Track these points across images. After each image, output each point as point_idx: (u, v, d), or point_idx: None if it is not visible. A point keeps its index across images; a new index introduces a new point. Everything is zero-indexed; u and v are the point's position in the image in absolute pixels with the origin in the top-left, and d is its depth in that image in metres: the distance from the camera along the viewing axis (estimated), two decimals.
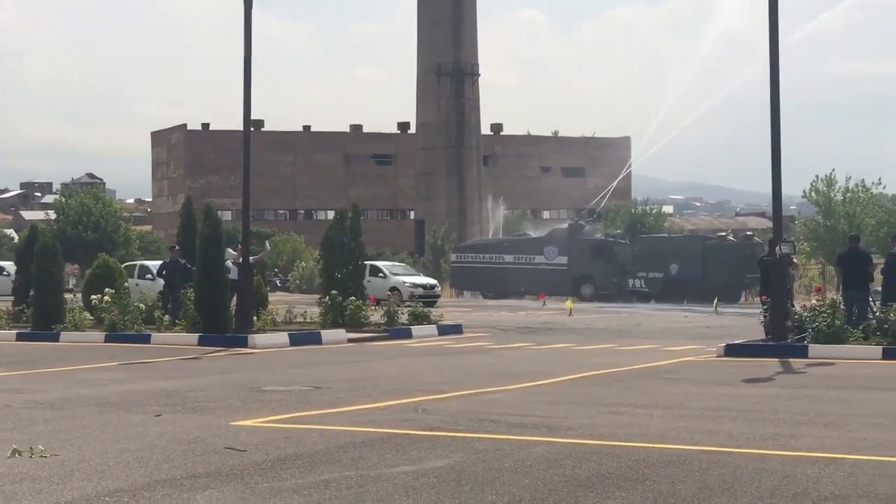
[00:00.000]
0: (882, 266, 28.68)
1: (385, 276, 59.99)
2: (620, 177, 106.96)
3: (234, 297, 29.09)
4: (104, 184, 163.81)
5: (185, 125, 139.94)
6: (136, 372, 20.81)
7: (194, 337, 27.91)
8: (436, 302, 57.10)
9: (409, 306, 33.90)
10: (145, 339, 28.53)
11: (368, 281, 59.54)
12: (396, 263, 65.52)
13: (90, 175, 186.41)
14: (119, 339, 28.79)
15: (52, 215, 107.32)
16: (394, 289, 58.06)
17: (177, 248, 33.27)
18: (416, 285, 59.47)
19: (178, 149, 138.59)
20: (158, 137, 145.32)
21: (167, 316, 30.65)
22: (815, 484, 9.86)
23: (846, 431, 12.94)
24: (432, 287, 60.41)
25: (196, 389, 17.40)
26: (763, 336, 25.72)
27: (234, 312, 28.66)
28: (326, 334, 29.20)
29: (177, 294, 31.39)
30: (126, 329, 29.56)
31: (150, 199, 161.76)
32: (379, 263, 63.57)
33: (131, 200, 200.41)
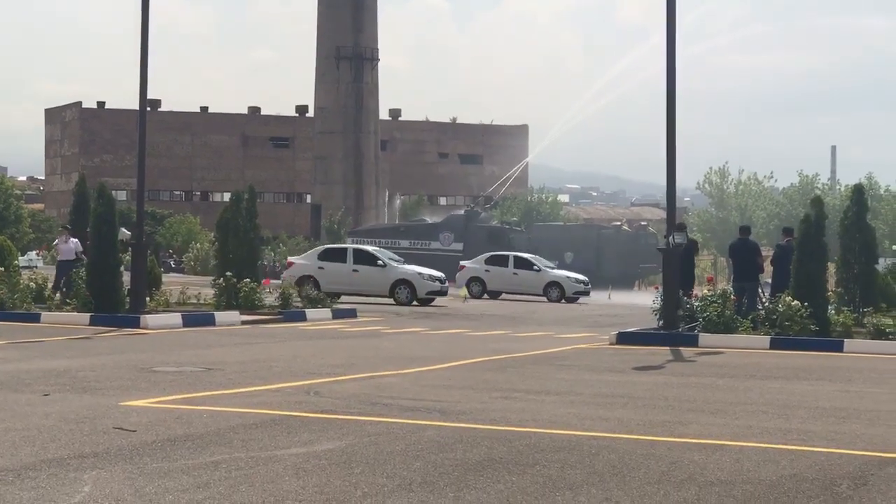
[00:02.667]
0: (772, 258, 29.12)
1: (539, 270, 53.49)
2: (519, 167, 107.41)
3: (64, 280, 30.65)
4: None
5: (79, 103, 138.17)
6: (25, 351, 20.50)
7: (85, 317, 27.56)
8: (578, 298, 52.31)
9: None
10: (35, 319, 28.11)
11: (515, 273, 53.21)
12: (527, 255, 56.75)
13: None
14: (7, 317, 28.29)
15: None
16: (554, 284, 52.77)
17: (69, 227, 33.13)
18: (578, 280, 53.62)
19: (73, 127, 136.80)
20: (52, 115, 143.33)
21: (57, 295, 30.36)
22: (702, 470, 10.00)
23: (733, 419, 13.13)
24: (587, 283, 54.35)
25: (86, 369, 17.19)
26: (655, 325, 26.00)
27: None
28: (220, 316, 29.03)
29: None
30: (15, 308, 29.12)
31: (42, 178, 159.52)
32: (527, 256, 55.79)
33: (23, 178, 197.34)
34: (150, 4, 29.10)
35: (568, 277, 53.64)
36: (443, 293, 44.18)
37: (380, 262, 43.37)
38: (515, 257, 54.67)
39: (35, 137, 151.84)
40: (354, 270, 44.16)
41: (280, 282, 34.91)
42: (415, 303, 42.64)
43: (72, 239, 32.47)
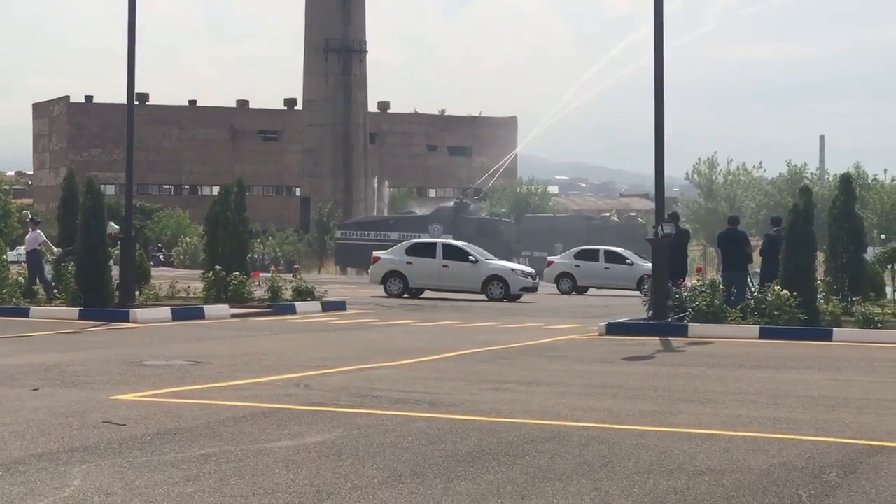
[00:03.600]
0: (760, 247, 29.17)
1: (632, 264, 50.88)
2: (509, 158, 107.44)
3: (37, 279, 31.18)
4: None
5: (67, 97, 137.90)
6: (14, 346, 20.47)
7: (75, 311, 27.53)
8: None
9: (292, 282, 33.66)
10: (24, 313, 28.07)
11: (607, 268, 49.60)
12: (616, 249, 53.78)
13: None
14: None
15: None
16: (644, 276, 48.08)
17: (37, 220, 34.30)
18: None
19: (61, 121, 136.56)
20: (40, 109, 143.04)
21: (36, 288, 30.68)
22: (692, 459, 10.02)
23: (722, 408, 13.16)
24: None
25: (75, 363, 17.18)
26: (645, 315, 26.03)
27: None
28: (209, 309, 28.98)
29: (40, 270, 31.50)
30: (4, 302, 29.08)
31: (31, 172, 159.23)
32: (619, 249, 52.92)
33: (11, 173, 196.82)
34: None
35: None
36: (534, 289, 42.87)
37: (471, 257, 42.33)
38: (606, 251, 52.32)
39: (23, 132, 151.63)
40: (445, 266, 42.91)
41: (269, 275, 34.77)
42: (505, 299, 41.34)
43: (37, 230, 32.59)
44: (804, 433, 11.42)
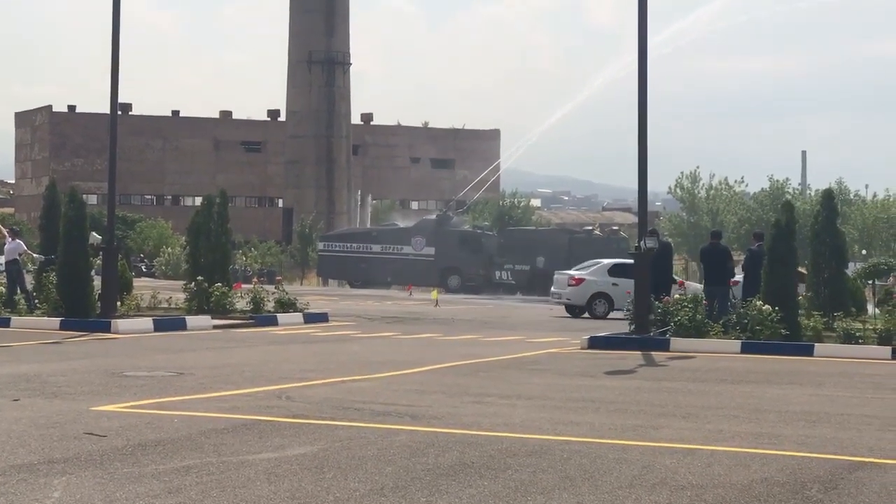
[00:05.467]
0: (743, 262, 29.23)
1: None
2: (495, 171, 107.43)
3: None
4: None
5: (50, 106, 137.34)
6: None
7: (56, 321, 27.45)
8: None
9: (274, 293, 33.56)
10: (4, 323, 27.98)
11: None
12: None
13: None
14: None
15: None
16: None
17: (16, 229, 34.16)
18: None
19: (43, 130, 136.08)
20: (22, 118, 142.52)
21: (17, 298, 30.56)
22: (674, 474, 10.02)
23: (704, 423, 13.17)
24: None
25: (56, 374, 17.12)
26: (627, 329, 26.03)
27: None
28: (191, 320, 28.92)
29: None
30: None
31: (12, 181, 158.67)
32: None
33: None
34: (122, 8, 29.03)
35: None
36: None
37: (677, 278, 41.65)
38: None
39: (5, 141, 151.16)
40: None
41: (252, 286, 34.65)
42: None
43: (17, 240, 32.42)
44: (786, 448, 11.44)
